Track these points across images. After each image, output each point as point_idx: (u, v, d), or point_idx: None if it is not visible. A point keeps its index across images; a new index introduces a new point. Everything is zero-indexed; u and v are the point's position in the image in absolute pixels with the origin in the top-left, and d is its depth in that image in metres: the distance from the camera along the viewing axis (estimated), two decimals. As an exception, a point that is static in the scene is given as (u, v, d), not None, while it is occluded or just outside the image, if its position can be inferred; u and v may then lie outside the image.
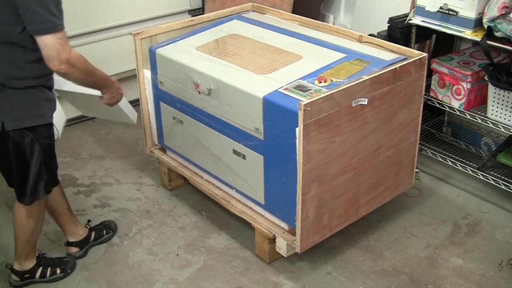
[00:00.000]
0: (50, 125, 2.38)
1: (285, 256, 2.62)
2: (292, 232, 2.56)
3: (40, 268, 2.65)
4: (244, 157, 2.65)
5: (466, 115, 3.10)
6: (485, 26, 2.77)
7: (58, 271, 2.67)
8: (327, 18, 4.21)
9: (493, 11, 2.69)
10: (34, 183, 2.39)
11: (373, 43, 2.84)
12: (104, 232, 2.91)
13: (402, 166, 2.82)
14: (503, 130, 2.96)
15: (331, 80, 2.48)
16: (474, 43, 3.31)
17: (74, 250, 2.81)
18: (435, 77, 3.22)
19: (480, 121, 3.04)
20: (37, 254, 2.66)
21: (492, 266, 2.70)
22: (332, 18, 4.20)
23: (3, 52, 2.18)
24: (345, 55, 2.71)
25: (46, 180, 2.42)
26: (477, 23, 2.83)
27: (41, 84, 2.27)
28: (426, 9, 3.01)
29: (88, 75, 2.27)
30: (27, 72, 2.22)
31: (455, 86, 3.12)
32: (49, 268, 2.66)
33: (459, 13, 2.87)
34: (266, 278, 2.64)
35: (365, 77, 2.42)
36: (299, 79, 2.53)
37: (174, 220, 3.04)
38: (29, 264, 2.62)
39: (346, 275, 2.65)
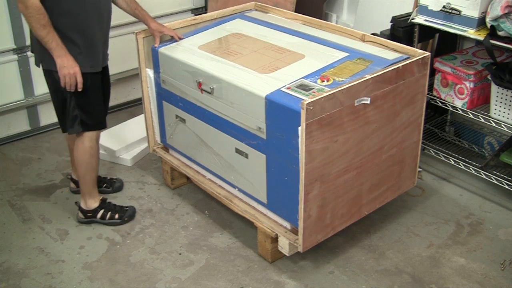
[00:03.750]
0: (84, 73, 2.68)
1: (287, 255, 2.62)
2: (295, 231, 2.56)
3: (102, 211, 2.99)
4: (246, 156, 2.65)
5: (469, 115, 3.09)
6: (488, 25, 2.76)
7: (116, 216, 2.99)
8: (330, 17, 4.20)
9: (496, 10, 2.68)
10: (70, 118, 2.77)
11: (376, 42, 2.84)
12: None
13: (404, 165, 2.82)
14: (506, 129, 2.95)
15: (333, 79, 2.48)
16: (477, 42, 3.30)
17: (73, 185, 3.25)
18: (438, 76, 3.21)
19: (483, 120, 3.03)
20: (101, 198, 3.02)
21: (495, 265, 2.69)
22: (335, 17, 4.20)
23: None
24: (347, 54, 2.71)
25: (80, 118, 2.77)
26: (480, 22, 2.83)
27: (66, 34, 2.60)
28: (429, 8, 3.00)
29: (40, 26, 2.50)
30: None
31: (458, 85, 3.11)
32: (109, 213, 2.99)
33: (462, 12, 2.86)
34: (268, 277, 2.64)
35: (368, 76, 2.42)
36: (302, 78, 2.53)
37: (177, 219, 3.04)
38: (93, 204, 2.98)
39: (349, 275, 2.65)
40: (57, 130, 3.94)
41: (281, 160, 2.47)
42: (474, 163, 3.21)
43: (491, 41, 2.76)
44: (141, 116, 3.40)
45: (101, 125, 2.89)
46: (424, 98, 2.75)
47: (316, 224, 2.50)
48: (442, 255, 2.76)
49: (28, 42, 3.61)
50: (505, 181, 3.02)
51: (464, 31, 2.88)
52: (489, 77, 2.98)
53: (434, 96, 3.24)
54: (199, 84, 2.73)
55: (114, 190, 3.27)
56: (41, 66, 2.75)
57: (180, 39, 2.99)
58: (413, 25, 3.15)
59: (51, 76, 2.71)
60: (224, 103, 2.65)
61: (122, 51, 3.92)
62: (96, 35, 2.70)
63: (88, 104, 2.78)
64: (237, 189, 2.81)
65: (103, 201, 3.02)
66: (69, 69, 2.60)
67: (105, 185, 3.26)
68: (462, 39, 3.49)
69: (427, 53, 2.65)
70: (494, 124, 3.00)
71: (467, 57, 3.22)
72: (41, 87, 3.74)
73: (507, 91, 2.90)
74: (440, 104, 3.22)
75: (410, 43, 3.16)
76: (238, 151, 2.68)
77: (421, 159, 3.06)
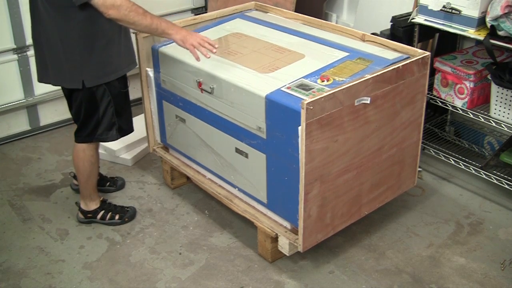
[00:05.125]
0: (123, 77, 2.71)
1: (287, 255, 2.62)
2: (295, 231, 2.56)
3: (102, 212, 2.98)
4: (246, 155, 2.64)
5: (469, 114, 3.09)
6: (488, 25, 2.76)
7: (117, 217, 2.98)
8: (330, 17, 4.20)
9: (496, 10, 2.68)
10: (106, 125, 2.74)
11: (376, 42, 2.84)
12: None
13: (404, 165, 2.82)
14: (506, 129, 2.95)
15: (333, 79, 2.48)
16: (477, 42, 3.30)
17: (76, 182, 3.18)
18: (438, 76, 3.21)
19: (483, 120, 3.03)
20: (101, 199, 3.01)
21: (495, 265, 2.69)
22: (335, 17, 4.20)
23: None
24: (347, 54, 2.71)
25: (118, 124, 2.78)
26: (480, 22, 2.83)
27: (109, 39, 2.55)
28: (429, 8, 3.00)
29: (141, 16, 2.45)
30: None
31: (458, 85, 3.11)
32: (109, 213, 2.98)
33: (462, 12, 2.86)
34: (268, 277, 2.64)
35: (368, 76, 2.42)
36: (302, 78, 2.53)
37: (177, 219, 3.04)
38: (93, 205, 2.97)
39: (349, 274, 2.65)
40: (57, 130, 3.94)
41: (281, 159, 2.47)
42: (474, 163, 3.21)
43: (491, 41, 2.76)
44: (141, 116, 3.40)
45: (132, 129, 2.92)
46: (424, 98, 2.75)
47: (316, 223, 2.50)
48: (442, 255, 2.76)
49: (28, 42, 3.61)
50: (505, 181, 3.02)
51: (464, 31, 2.88)
52: (489, 77, 2.98)
53: (434, 96, 3.24)
54: (199, 83, 2.73)
55: (117, 188, 3.27)
56: (68, 87, 2.68)
57: None
58: (413, 24, 3.15)
59: (89, 91, 2.64)
60: (224, 102, 2.65)
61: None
62: (130, 32, 2.71)
63: (125, 109, 2.81)
64: (237, 188, 2.81)
65: (103, 202, 3.02)
66: (193, 36, 2.59)
67: (108, 183, 3.26)
68: (462, 39, 3.49)
69: (427, 53, 2.65)
70: (494, 124, 3.00)
71: (467, 57, 3.22)
72: (41, 87, 3.74)
73: (507, 91, 2.90)
74: (440, 104, 3.22)
75: (410, 43, 3.16)
76: (238, 150, 2.68)
77: (421, 159, 3.06)
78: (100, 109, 2.70)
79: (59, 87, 2.84)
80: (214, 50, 2.59)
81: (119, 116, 2.78)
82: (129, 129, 2.90)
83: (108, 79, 2.64)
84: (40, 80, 2.74)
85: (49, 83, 2.71)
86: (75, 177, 3.21)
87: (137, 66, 3.01)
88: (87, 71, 2.59)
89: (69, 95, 2.74)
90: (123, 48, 2.63)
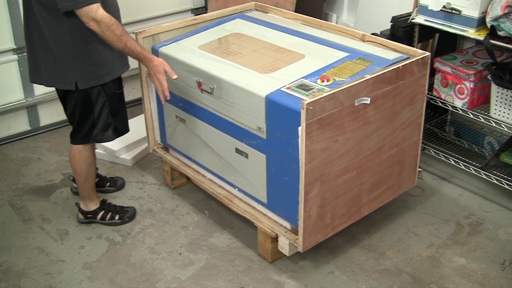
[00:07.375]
0: (117, 78, 2.72)
1: (287, 255, 2.62)
2: (295, 231, 2.56)
3: (102, 212, 2.98)
4: (246, 156, 2.64)
5: (469, 115, 3.09)
6: (488, 25, 2.76)
7: (117, 217, 2.99)
8: (330, 17, 4.20)
9: (497, 10, 2.68)
10: (102, 126, 2.74)
11: (376, 42, 2.84)
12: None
13: (404, 165, 2.82)
14: (506, 129, 2.95)
15: (333, 79, 2.48)
16: (477, 42, 3.30)
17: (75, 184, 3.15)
18: (438, 76, 3.21)
19: (483, 120, 3.03)
20: (101, 199, 3.02)
21: (495, 265, 2.69)
22: (335, 17, 4.20)
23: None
24: (348, 54, 2.71)
25: (114, 125, 2.79)
26: (480, 22, 2.83)
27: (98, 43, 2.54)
28: (429, 8, 3.00)
29: (116, 38, 2.46)
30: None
31: (458, 85, 3.11)
32: (109, 213, 2.99)
33: (462, 12, 2.86)
34: (268, 277, 2.64)
35: (368, 76, 2.42)
36: (302, 78, 2.53)
37: (177, 219, 3.04)
38: (93, 206, 2.98)
39: (349, 274, 2.65)
40: (57, 130, 3.94)
41: (281, 160, 2.47)
42: (474, 163, 3.21)
43: (491, 41, 2.76)
44: (141, 116, 3.40)
45: (128, 129, 2.92)
46: (424, 98, 2.75)
47: (316, 224, 2.50)
48: (442, 255, 2.76)
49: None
50: (505, 181, 3.02)
51: (464, 31, 2.88)
52: (489, 77, 2.98)
53: (434, 96, 3.24)
54: (199, 84, 2.73)
55: (117, 188, 3.27)
56: (61, 88, 2.67)
57: None
58: (413, 25, 3.15)
59: (83, 92, 2.63)
60: (224, 103, 2.65)
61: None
62: None
63: (120, 110, 2.81)
64: (237, 189, 2.81)
65: (103, 202, 3.02)
66: (162, 74, 2.63)
67: (108, 183, 3.26)
68: (462, 39, 3.49)
69: (427, 53, 2.65)
70: (494, 124, 3.00)
71: (467, 57, 3.22)
72: (41, 87, 3.74)
73: (507, 91, 2.90)
74: (440, 104, 3.22)
75: (410, 43, 3.16)
76: (238, 151, 2.68)
77: (421, 159, 3.06)
78: (95, 110, 2.70)
79: None
80: (166, 92, 2.69)
81: (115, 117, 2.78)
82: (125, 130, 2.90)
83: (101, 81, 2.64)
84: (33, 80, 2.74)
85: (42, 84, 2.71)
86: (74, 180, 3.21)
87: (137, 67, 3.02)
88: (80, 73, 2.59)
89: (64, 96, 2.73)
90: (116, 50, 2.61)
